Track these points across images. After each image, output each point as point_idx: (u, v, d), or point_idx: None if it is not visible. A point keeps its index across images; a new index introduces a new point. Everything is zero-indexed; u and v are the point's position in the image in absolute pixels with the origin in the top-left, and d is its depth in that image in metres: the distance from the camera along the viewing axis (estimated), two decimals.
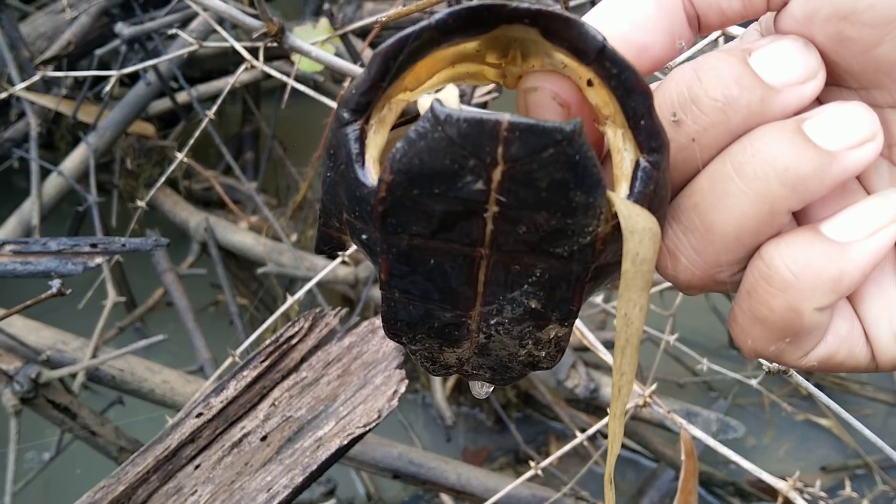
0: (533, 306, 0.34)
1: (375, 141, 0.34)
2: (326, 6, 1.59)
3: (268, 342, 0.76)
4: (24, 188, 1.38)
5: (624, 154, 0.34)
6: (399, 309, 0.35)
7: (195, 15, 1.31)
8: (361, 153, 0.33)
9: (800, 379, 0.74)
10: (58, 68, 1.43)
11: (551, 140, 0.29)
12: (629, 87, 0.33)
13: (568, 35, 0.32)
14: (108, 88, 1.09)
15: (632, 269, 0.32)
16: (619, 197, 0.32)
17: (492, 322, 0.35)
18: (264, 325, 0.99)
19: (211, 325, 1.63)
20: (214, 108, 1.15)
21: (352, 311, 1.40)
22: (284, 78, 1.14)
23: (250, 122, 1.98)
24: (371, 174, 0.33)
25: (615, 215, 0.32)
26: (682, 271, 0.36)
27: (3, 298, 1.27)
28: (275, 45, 1.05)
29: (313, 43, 1.29)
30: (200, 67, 1.73)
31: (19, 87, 1.12)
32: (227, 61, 1.70)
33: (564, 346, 0.36)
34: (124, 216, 1.57)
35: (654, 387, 0.86)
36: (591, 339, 0.85)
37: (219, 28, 1.10)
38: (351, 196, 0.33)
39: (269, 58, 1.53)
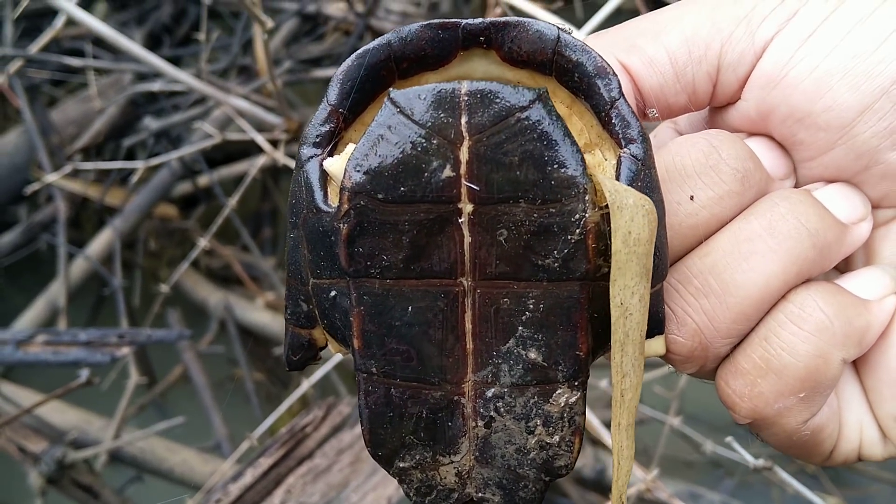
0: (533, 358, 0.30)
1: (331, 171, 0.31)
2: None
3: (284, 430, 0.80)
4: (51, 268, 1.44)
5: (606, 165, 0.31)
6: (380, 398, 0.31)
7: (218, 104, 1.37)
8: (324, 185, 0.30)
9: None
10: (86, 153, 1.49)
11: (516, 103, 0.27)
12: (594, 70, 0.30)
13: (524, 41, 0.31)
14: (135, 180, 1.15)
15: (624, 249, 0.28)
16: (603, 175, 0.30)
17: (489, 396, 0.31)
18: (280, 409, 1.03)
19: (228, 399, 1.67)
20: (236, 199, 1.21)
21: None
22: None
23: (269, 199, 2.04)
24: (334, 203, 0.30)
25: (605, 202, 0.29)
26: (688, 338, 0.33)
27: (32, 380, 1.31)
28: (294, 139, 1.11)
29: None
30: (223, 150, 1.80)
31: (52, 178, 1.18)
32: (249, 143, 1.76)
33: (580, 425, 0.31)
34: (147, 294, 1.62)
35: (656, 472, 0.89)
36: (589, 417, 0.88)
37: (240, 122, 1.17)
38: (315, 240, 0.30)
39: (290, 139, 1.59)
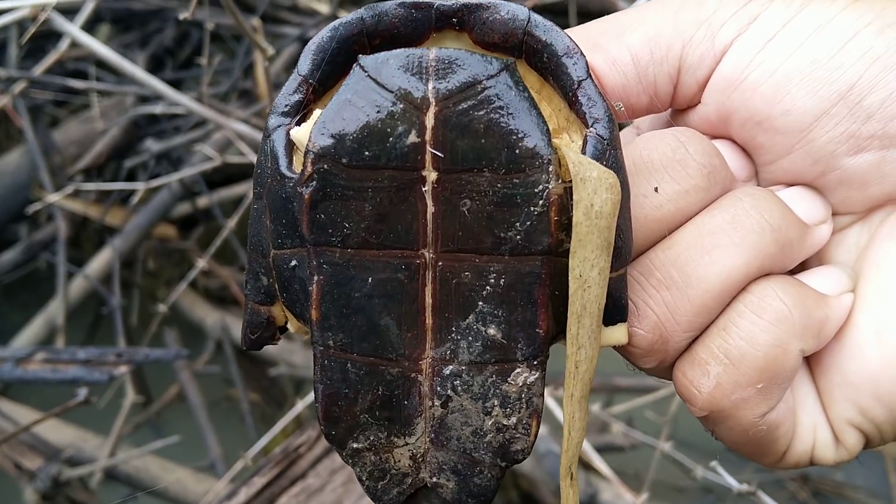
0: (492, 335, 0.29)
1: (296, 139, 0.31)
2: None
3: (278, 450, 0.82)
4: (51, 286, 1.45)
5: (572, 147, 0.31)
6: (336, 374, 0.30)
7: (218, 126, 1.39)
8: (289, 154, 0.30)
9: None
10: (87, 173, 1.51)
11: (484, 71, 0.27)
12: (562, 50, 0.30)
13: (494, 23, 0.31)
14: (135, 201, 1.16)
15: (585, 221, 0.28)
16: (568, 147, 0.30)
17: (447, 373, 0.30)
18: (274, 430, 1.04)
19: (224, 418, 1.68)
20: (234, 220, 1.22)
21: None
22: None
23: None
24: (298, 169, 0.30)
25: (570, 177, 0.29)
26: (649, 330, 0.33)
27: (29, 397, 1.32)
28: None
29: None
30: (222, 171, 1.82)
31: (54, 198, 1.20)
32: (248, 165, 1.78)
33: (538, 407, 0.31)
34: (145, 313, 1.64)
35: (645, 496, 0.90)
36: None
37: (240, 145, 1.18)
38: (277, 208, 0.30)
39: None
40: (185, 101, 1.05)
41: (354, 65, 0.28)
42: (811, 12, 0.33)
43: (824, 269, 0.36)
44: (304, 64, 0.30)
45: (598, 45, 0.35)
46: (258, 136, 1.12)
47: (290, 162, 0.30)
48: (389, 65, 0.27)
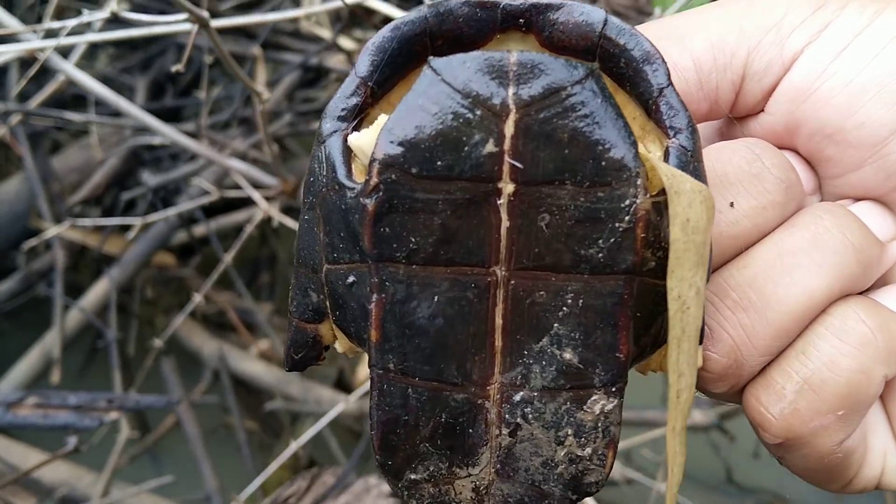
0: (568, 359, 0.27)
1: (357, 146, 0.29)
2: None
3: (267, 501, 0.81)
4: (51, 309, 1.44)
5: (652, 158, 0.29)
6: (395, 399, 0.28)
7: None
8: (347, 161, 0.28)
9: None
10: (85, 202, 1.51)
11: (568, 77, 0.25)
12: (642, 56, 0.29)
13: (567, 25, 0.29)
14: (132, 235, 1.16)
15: (682, 237, 0.26)
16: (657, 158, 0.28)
17: (517, 400, 0.28)
18: (269, 470, 1.03)
19: (222, 444, 1.67)
20: (232, 254, 1.22)
21: (356, 445, 1.43)
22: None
23: (267, 245, 2.05)
24: (359, 180, 0.28)
25: (658, 189, 0.27)
26: (724, 354, 0.32)
27: (21, 433, 1.32)
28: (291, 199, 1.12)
29: None
30: (222, 197, 1.82)
31: (52, 232, 1.19)
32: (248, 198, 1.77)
33: (615, 436, 0.29)
34: (142, 341, 1.63)
35: None
36: None
37: (237, 178, 1.18)
38: (334, 220, 0.28)
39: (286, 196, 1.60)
40: (181, 139, 1.04)
41: (425, 67, 0.26)
42: (886, 20, 0.32)
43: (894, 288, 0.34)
44: (363, 65, 0.29)
45: (661, 49, 0.33)
46: (253, 173, 1.11)
47: (349, 170, 0.28)
48: (466, 67, 0.25)
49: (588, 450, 0.28)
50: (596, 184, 0.26)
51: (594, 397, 0.28)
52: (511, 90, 0.25)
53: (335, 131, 0.28)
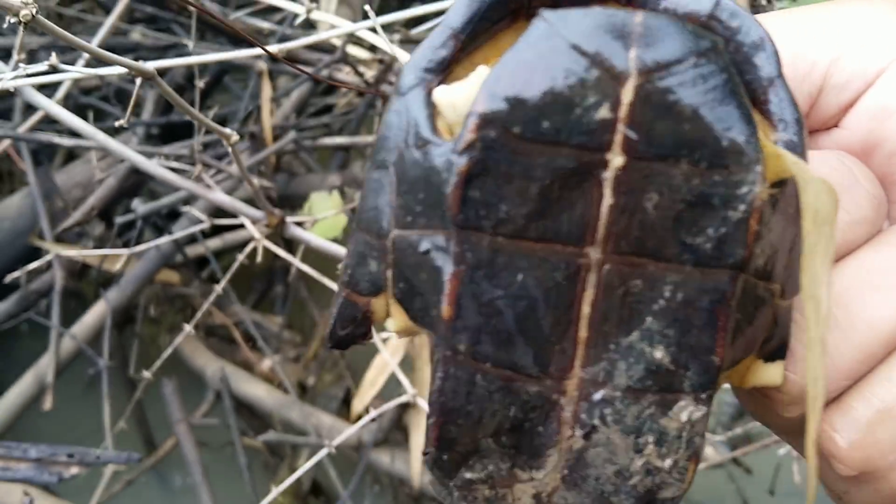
0: (659, 358, 0.25)
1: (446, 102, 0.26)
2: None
3: None
4: (46, 336, 1.42)
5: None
6: (460, 386, 0.25)
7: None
8: (432, 117, 0.25)
9: None
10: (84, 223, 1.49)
11: (694, 47, 0.23)
12: (755, 42, 0.26)
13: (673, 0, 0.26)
14: (118, 266, 1.13)
15: (813, 230, 0.24)
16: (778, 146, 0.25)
17: (596, 399, 0.25)
18: (268, 499, 0.99)
19: (229, 461, 1.65)
20: (224, 282, 1.18)
21: (354, 473, 1.40)
22: (292, 259, 1.17)
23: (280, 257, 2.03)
24: (445, 138, 0.25)
25: (773, 183, 0.24)
26: (804, 376, 0.29)
27: None
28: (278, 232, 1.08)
29: (322, 218, 1.32)
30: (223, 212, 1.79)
31: (51, 253, 1.17)
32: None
33: (699, 449, 0.26)
34: (146, 359, 1.62)
35: None
36: None
37: (233, 202, 1.14)
38: (413, 179, 0.25)
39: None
40: (164, 173, 1.01)
41: (536, 18, 0.23)
42: None
43: None
44: (456, 16, 0.26)
45: None
46: (243, 209, 1.08)
47: (434, 127, 0.25)
48: (584, 23, 0.23)
49: (668, 461, 0.25)
50: (714, 166, 0.23)
51: (681, 402, 0.25)
52: (633, 53, 0.22)
53: (419, 84, 0.26)
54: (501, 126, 0.23)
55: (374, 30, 1.53)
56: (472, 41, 0.27)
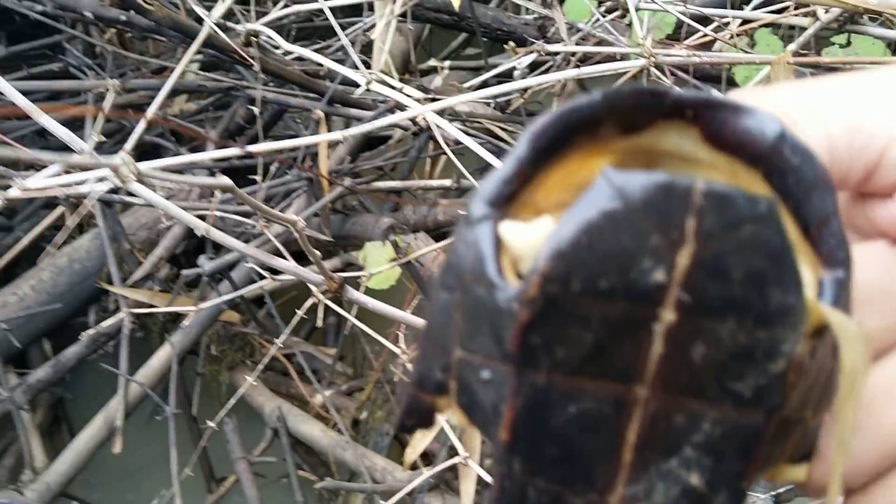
0: (694, 483, 0.26)
1: (511, 242, 0.28)
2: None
3: None
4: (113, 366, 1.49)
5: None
6: (515, 498, 0.27)
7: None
8: (498, 254, 0.27)
9: None
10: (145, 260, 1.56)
11: (750, 211, 0.24)
12: (813, 180, 0.27)
13: (736, 127, 0.28)
14: (186, 322, 1.18)
15: (850, 385, 0.26)
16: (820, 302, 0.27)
17: None
18: None
19: (282, 492, 1.71)
20: (281, 339, 1.24)
21: None
22: (348, 316, 1.22)
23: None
24: (510, 280, 0.26)
25: (813, 332, 0.26)
26: (829, 474, 0.29)
27: None
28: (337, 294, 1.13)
29: (376, 272, 1.36)
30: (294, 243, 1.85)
31: (121, 315, 1.23)
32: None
33: None
34: (208, 398, 1.68)
35: None
36: None
37: (295, 268, 1.19)
38: (477, 315, 0.27)
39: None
40: (224, 238, 1.06)
41: (601, 178, 0.24)
42: None
43: None
44: (524, 149, 0.27)
45: (795, 124, 0.31)
46: (303, 273, 1.13)
47: (500, 265, 0.26)
48: (646, 188, 0.24)
49: None
50: (760, 325, 0.25)
51: None
52: (691, 221, 0.24)
53: (487, 218, 0.27)
54: (562, 284, 0.24)
55: (424, 94, 1.57)
56: (541, 167, 0.28)
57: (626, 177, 0.24)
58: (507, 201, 0.27)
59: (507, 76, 1.92)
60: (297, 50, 1.29)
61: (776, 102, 0.32)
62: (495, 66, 1.83)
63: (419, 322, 1.02)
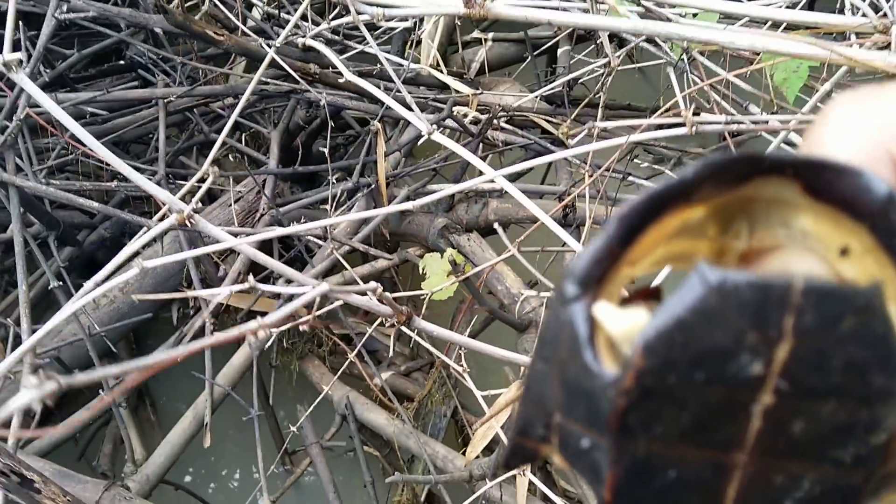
0: None
1: (605, 325, 0.27)
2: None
3: None
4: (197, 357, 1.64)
5: None
6: None
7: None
8: (592, 336, 0.27)
9: None
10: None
11: (850, 304, 0.24)
12: None
13: (841, 186, 0.27)
14: (266, 321, 1.32)
15: None
16: None
17: None
18: None
19: (350, 469, 1.87)
20: (352, 355, 1.37)
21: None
22: (429, 347, 1.34)
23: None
24: (605, 363, 0.27)
25: None
26: None
27: None
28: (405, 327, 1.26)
29: (439, 289, 1.49)
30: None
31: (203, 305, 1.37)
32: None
33: None
34: (280, 388, 1.84)
35: None
36: None
37: (370, 307, 1.32)
38: (574, 391, 0.27)
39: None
40: (294, 275, 1.19)
41: (695, 275, 0.24)
42: None
43: None
44: (617, 231, 0.27)
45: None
46: (375, 307, 1.25)
47: (595, 349, 0.27)
48: (742, 288, 0.24)
49: None
50: (861, 405, 0.25)
51: None
52: (790, 319, 0.24)
53: (580, 298, 0.27)
54: (657, 378, 0.24)
55: (474, 91, 1.66)
56: (632, 241, 0.28)
57: (721, 275, 0.24)
58: (599, 281, 0.27)
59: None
60: (351, 77, 1.38)
61: (885, 116, 0.31)
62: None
63: (480, 346, 1.12)
